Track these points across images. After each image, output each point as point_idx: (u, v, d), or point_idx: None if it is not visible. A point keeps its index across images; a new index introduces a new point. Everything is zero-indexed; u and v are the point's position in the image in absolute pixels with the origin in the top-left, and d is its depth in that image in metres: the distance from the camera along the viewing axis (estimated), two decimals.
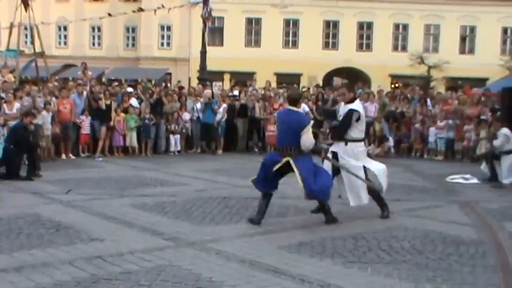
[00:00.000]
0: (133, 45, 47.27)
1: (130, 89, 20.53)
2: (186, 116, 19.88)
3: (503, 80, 25.86)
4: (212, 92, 22.35)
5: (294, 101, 9.09)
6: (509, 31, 46.07)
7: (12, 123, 14.61)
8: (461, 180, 14.09)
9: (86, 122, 17.90)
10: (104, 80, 31.52)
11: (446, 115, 19.57)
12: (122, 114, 18.42)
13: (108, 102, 18.23)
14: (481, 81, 36.70)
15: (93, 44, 47.51)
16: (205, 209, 9.81)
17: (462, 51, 46.23)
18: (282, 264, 6.56)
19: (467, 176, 14.34)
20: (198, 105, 20.08)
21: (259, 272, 6.29)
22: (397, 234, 8.17)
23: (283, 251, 7.16)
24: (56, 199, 10.67)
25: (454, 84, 39.37)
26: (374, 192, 9.40)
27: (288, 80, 41.59)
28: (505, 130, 14.16)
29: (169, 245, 7.43)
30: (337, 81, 47.46)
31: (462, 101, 20.01)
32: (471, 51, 46.18)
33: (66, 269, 6.24)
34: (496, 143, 14.21)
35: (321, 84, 32.05)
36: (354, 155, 9.22)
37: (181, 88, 22.56)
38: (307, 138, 8.50)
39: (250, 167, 15.51)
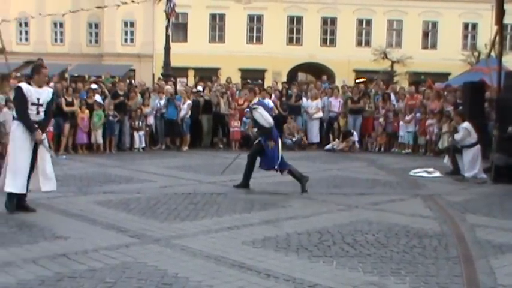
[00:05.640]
0: (96, 41, 46.88)
1: (94, 86, 20.30)
2: (149, 112, 19.71)
3: (464, 74, 26.12)
4: (175, 88, 22.18)
5: None
6: (470, 26, 46.73)
7: None
8: (424, 174, 14.25)
9: None
10: (66, 76, 31.11)
11: (412, 109, 19.79)
12: (86, 111, 18.19)
13: (71, 99, 18.03)
14: (443, 76, 37.17)
15: (55, 40, 46.81)
16: (170, 205, 9.75)
17: (425, 46, 46.81)
18: (247, 260, 6.56)
19: (430, 169, 14.52)
20: (162, 102, 19.94)
21: (225, 268, 6.28)
22: (361, 228, 8.23)
23: (249, 246, 7.16)
24: None
25: (417, 79, 39.85)
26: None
27: (252, 75, 41.65)
28: (466, 124, 14.34)
29: (134, 241, 7.36)
30: (301, 76, 47.80)
31: (426, 95, 20.23)
32: (433, 46, 46.77)
33: (30, 268, 6.13)
34: (457, 136, 14.39)
35: (285, 80, 32.15)
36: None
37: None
38: None
39: (215, 163, 15.59)
